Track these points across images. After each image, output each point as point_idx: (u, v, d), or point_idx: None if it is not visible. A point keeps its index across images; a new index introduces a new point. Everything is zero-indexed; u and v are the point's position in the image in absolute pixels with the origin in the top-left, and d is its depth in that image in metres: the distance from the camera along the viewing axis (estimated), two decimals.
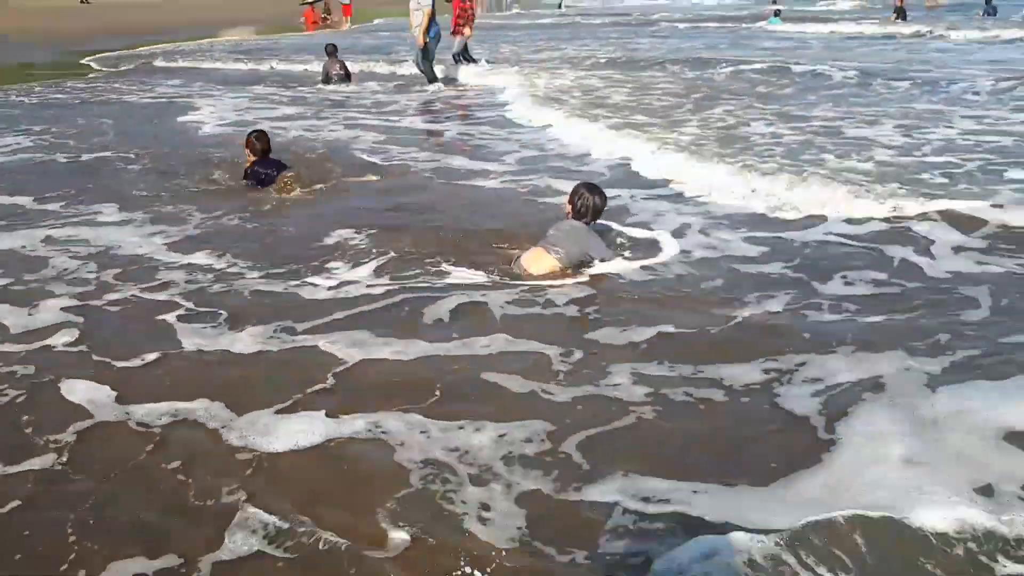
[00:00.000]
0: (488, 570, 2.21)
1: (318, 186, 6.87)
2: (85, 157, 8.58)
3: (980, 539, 2.24)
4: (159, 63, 19.71)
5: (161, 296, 4.47)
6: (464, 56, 15.05)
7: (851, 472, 2.60)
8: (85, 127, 10.53)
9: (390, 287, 4.45)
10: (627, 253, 4.83)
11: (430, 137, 9.46)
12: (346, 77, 14.18)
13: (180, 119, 10.98)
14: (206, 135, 9.80)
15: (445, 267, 4.69)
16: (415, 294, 4.32)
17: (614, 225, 5.26)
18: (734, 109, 9.88)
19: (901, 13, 24.17)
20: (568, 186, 4.99)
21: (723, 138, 8.09)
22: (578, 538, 2.33)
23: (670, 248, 4.93)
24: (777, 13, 26.47)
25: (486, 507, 2.50)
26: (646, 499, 2.50)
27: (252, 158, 6.95)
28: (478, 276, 4.53)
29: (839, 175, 6.31)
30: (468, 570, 2.20)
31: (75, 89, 15.09)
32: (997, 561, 2.18)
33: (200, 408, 3.17)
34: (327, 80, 14.04)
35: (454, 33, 14.72)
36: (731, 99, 10.67)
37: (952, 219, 5.15)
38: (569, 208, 4.65)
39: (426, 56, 13.19)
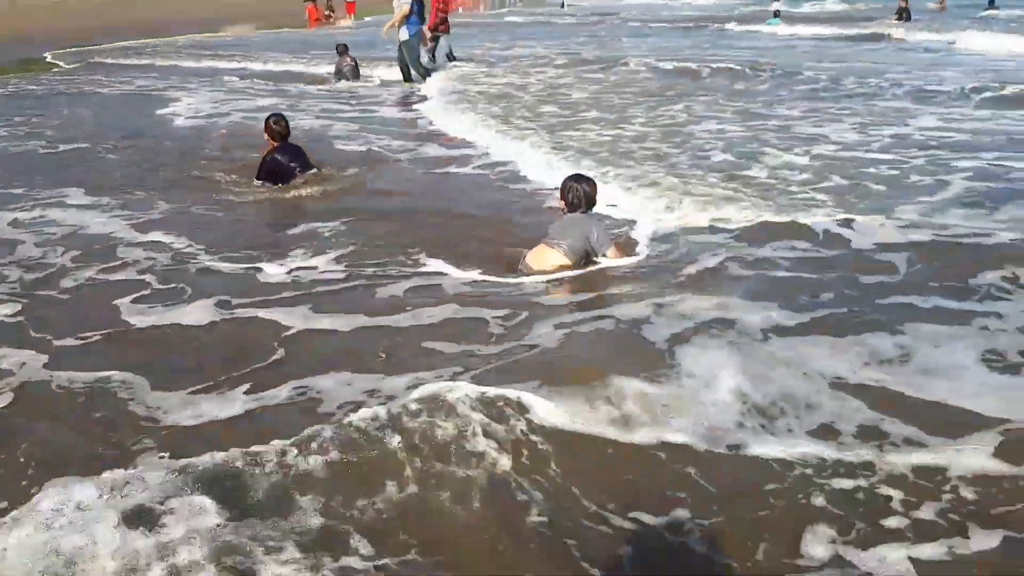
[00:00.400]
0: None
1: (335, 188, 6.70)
2: (63, 148, 8.75)
3: (792, 464, 2.57)
4: (137, 60, 19.78)
5: (115, 276, 4.66)
6: (433, 56, 15.27)
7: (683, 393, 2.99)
8: (64, 118, 10.71)
9: (353, 272, 4.61)
10: (623, 237, 4.97)
11: (404, 127, 9.69)
12: (356, 73, 14.54)
13: (159, 112, 11.16)
14: (183, 127, 9.99)
15: (421, 258, 4.79)
16: (376, 278, 4.50)
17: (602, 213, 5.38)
18: (694, 106, 10.09)
19: (904, 13, 23.76)
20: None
21: (664, 135, 8.28)
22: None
23: (644, 229, 5.19)
24: (777, 14, 26.27)
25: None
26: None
27: (272, 143, 6.67)
28: (450, 267, 4.62)
29: (777, 174, 6.54)
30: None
31: (51, 81, 15.28)
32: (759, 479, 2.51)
33: (124, 375, 3.40)
34: (339, 76, 14.47)
35: (434, 30, 14.95)
36: (697, 97, 10.86)
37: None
38: (563, 204, 4.66)
39: (412, 53, 13.43)
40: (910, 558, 2.15)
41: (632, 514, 2.39)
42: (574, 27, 28.62)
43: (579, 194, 4.57)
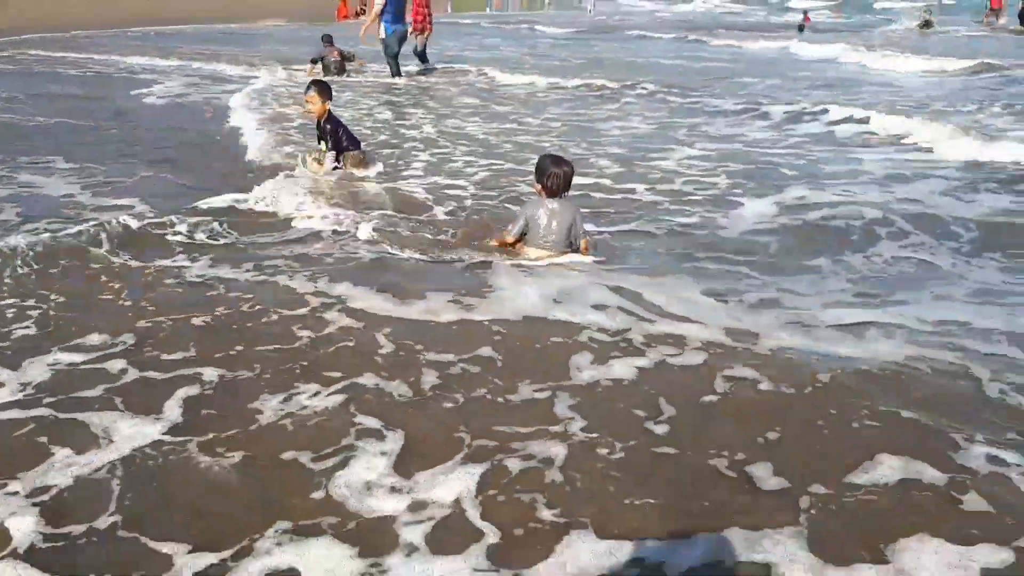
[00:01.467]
0: None
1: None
2: (40, 119, 9.38)
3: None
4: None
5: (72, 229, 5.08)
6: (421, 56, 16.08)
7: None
8: (43, 96, 11.36)
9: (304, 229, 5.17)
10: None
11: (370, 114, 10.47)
12: (341, 68, 14.42)
13: (133, 92, 11.86)
14: (158, 106, 10.73)
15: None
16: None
17: None
18: (634, 103, 11.10)
19: (926, 25, 23.89)
20: None
21: (568, 131, 9.08)
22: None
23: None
24: (801, 28, 27.62)
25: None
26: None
27: (322, 107, 6.48)
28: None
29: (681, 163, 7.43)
30: None
31: (27, 60, 15.78)
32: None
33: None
34: (323, 68, 14.32)
35: (414, 31, 15.65)
36: (636, 103, 11.64)
37: None
38: (539, 188, 4.45)
39: (388, 51, 14.17)
40: (636, 367, 3.15)
41: (452, 354, 3.33)
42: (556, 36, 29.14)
43: (559, 179, 4.37)
